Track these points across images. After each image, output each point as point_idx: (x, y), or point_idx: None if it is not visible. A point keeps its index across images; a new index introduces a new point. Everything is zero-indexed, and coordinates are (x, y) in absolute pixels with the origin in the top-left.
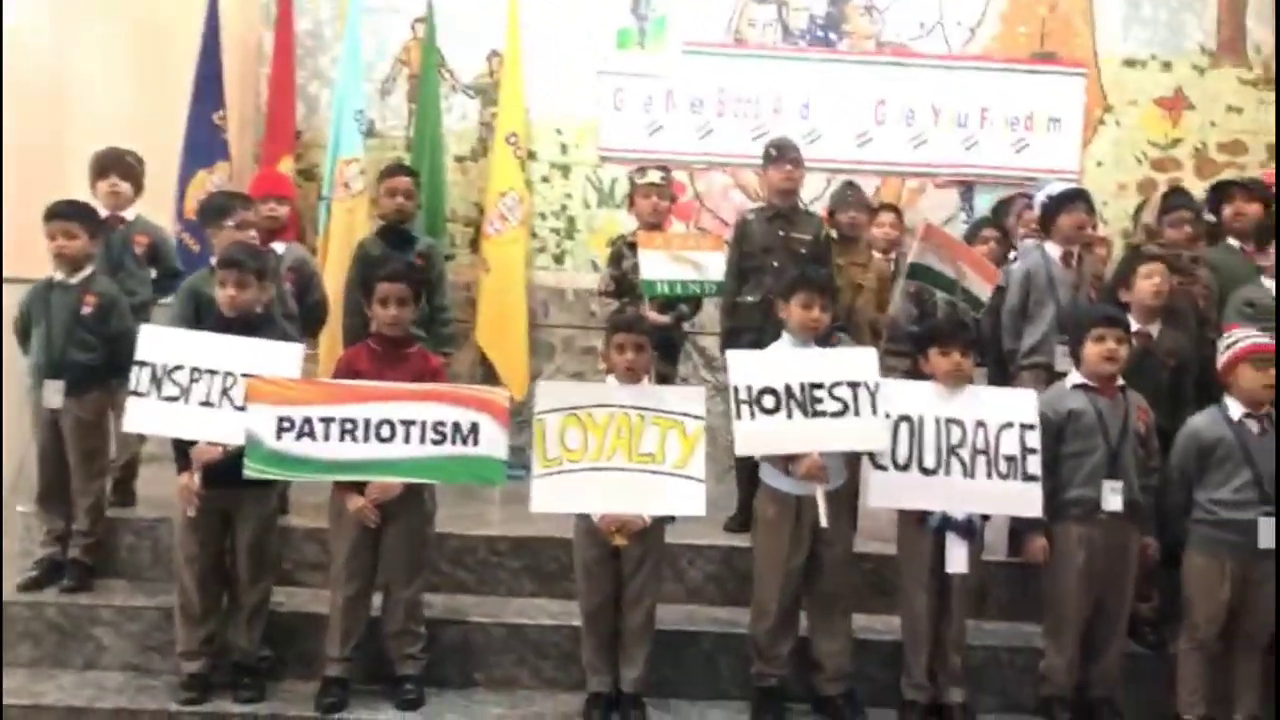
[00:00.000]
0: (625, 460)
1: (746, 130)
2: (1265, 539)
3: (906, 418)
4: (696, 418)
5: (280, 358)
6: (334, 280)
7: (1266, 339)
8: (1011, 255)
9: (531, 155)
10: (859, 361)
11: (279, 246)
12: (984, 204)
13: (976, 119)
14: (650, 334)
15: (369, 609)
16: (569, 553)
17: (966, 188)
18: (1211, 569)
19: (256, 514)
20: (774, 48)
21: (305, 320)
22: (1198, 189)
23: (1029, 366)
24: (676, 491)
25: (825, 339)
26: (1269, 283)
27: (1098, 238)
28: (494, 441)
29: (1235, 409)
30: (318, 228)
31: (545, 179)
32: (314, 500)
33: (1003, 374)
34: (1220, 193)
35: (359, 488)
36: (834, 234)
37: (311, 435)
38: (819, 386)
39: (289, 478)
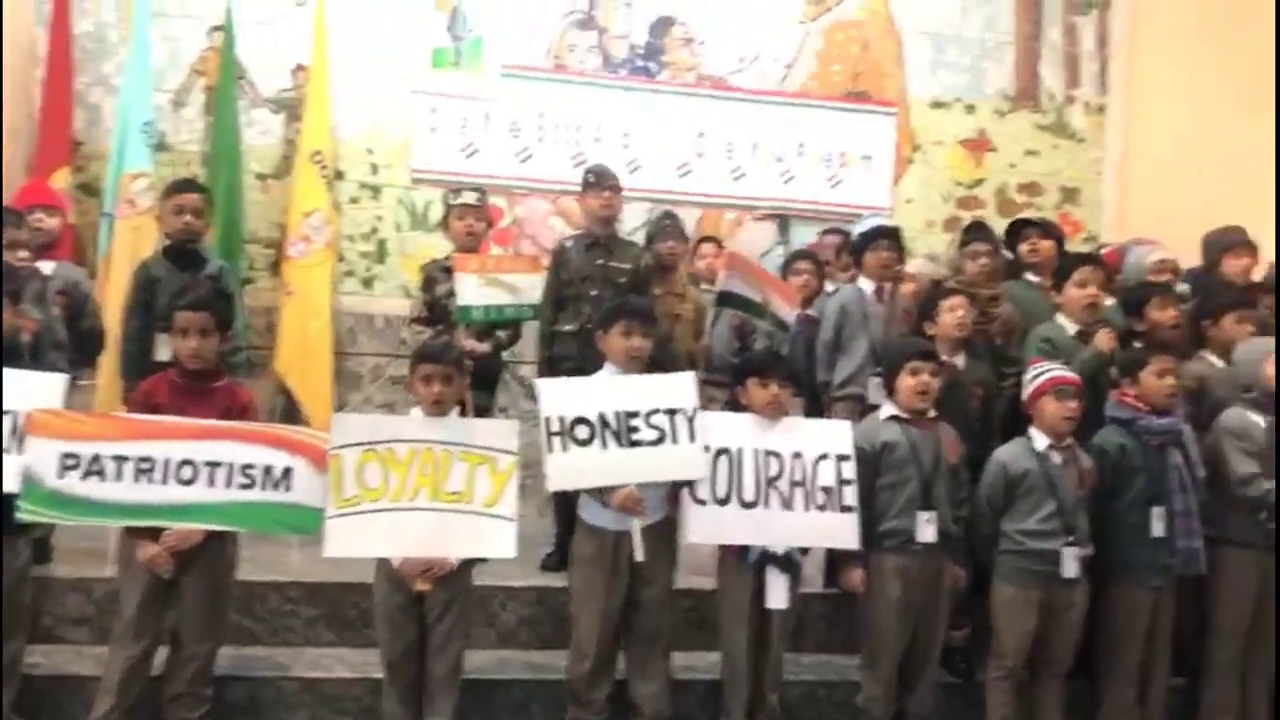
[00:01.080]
0: (430, 499)
1: (566, 156)
2: (1069, 569)
3: (725, 450)
4: (508, 453)
5: (38, 390)
6: (119, 305)
7: (1067, 372)
8: (830, 288)
9: (339, 175)
10: (676, 388)
11: (47, 266)
12: (801, 238)
13: (793, 154)
14: (459, 362)
15: (151, 667)
16: (370, 598)
17: (784, 221)
18: (1018, 599)
19: (6, 565)
20: (594, 75)
21: (78, 348)
22: (1000, 228)
23: (843, 398)
24: (485, 532)
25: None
26: (1064, 320)
27: (908, 274)
28: (309, 489)
29: (1040, 440)
30: (100, 247)
31: (354, 200)
32: (83, 545)
33: (817, 406)
34: (1016, 230)
35: (153, 534)
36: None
37: (100, 474)
38: (635, 415)
39: (70, 521)
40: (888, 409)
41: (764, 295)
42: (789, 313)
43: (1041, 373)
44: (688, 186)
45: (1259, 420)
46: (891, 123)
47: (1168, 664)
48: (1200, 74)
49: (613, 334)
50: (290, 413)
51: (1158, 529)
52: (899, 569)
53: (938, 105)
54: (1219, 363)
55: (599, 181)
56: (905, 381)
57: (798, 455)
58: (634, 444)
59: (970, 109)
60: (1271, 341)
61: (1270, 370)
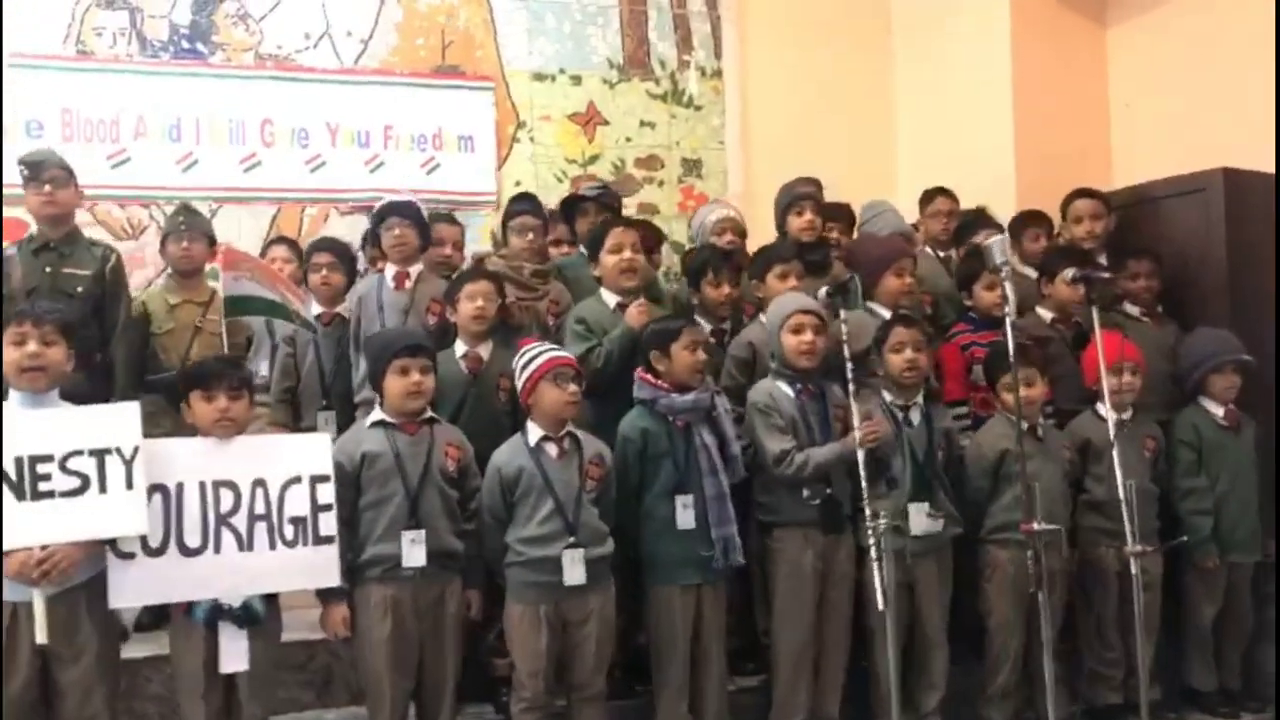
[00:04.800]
0: None
1: (102, 156)
2: (572, 575)
3: (161, 488)
4: None
5: None
6: None
7: (563, 352)
8: None
9: None
10: (111, 422)
11: None
12: None
13: (380, 138)
14: None
15: None
16: None
17: None
18: (527, 616)
19: None
20: (130, 61)
21: None
22: None
23: (360, 404)
24: None
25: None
26: (609, 296)
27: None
28: None
29: (534, 433)
30: None
31: None
32: None
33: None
34: (572, 207)
35: None
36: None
37: None
38: (46, 459)
39: None
40: (376, 414)
41: (279, 294)
42: (308, 307)
43: (536, 355)
44: (257, 181)
45: (788, 390)
46: (490, 99)
47: (721, 666)
48: (810, 34)
49: (5, 343)
50: None
51: (684, 520)
52: (388, 601)
53: (540, 78)
54: None
55: (34, 174)
56: (393, 382)
57: (260, 483)
58: (42, 495)
59: (576, 80)
60: (800, 300)
61: (789, 340)
